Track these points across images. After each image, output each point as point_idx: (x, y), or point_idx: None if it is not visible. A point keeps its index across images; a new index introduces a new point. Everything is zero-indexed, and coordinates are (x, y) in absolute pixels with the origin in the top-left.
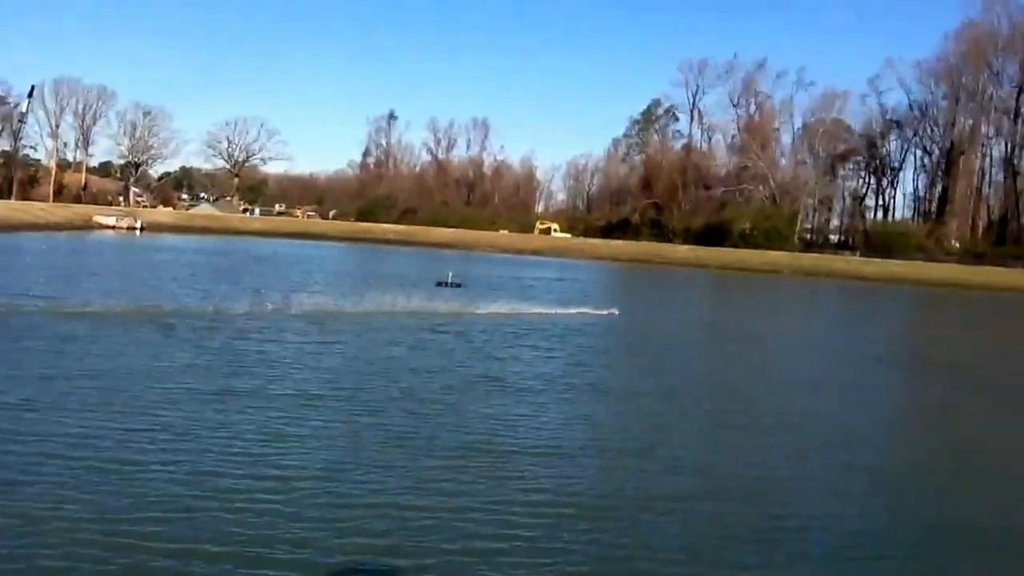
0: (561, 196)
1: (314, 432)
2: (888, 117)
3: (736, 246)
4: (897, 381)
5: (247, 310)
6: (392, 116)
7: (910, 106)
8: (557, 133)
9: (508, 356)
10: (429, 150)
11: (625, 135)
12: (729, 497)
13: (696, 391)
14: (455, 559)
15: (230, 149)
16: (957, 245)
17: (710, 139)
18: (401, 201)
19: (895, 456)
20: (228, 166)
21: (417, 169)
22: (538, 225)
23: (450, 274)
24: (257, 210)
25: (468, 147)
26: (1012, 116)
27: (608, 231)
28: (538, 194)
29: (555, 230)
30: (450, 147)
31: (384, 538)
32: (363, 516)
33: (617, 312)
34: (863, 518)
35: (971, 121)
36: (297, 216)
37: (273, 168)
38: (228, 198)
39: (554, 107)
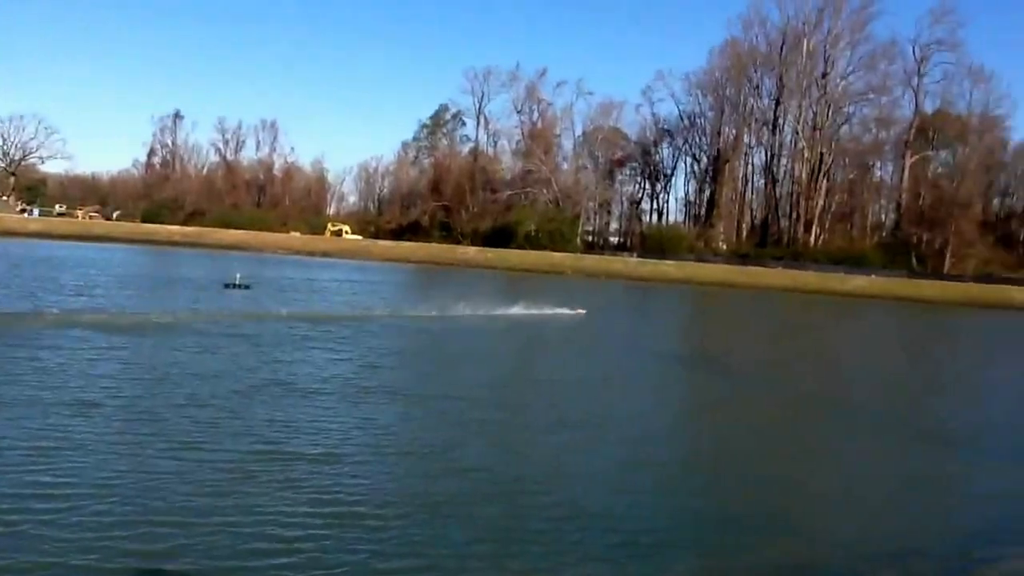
0: (353, 198)
1: (91, 441)
2: (660, 126)
3: (522, 247)
4: (677, 375)
5: (21, 316)
6: (178, 116)
7: (680, 116)
8: (348, 136)
9: (297, 359)
10: (217, 151)
11: (415, 139)
12: (513, 498)
13: (483, 390)
14: (235, 570)
15: (5, 147)
16: (724, 246)
17: (496, 144)
18: (188, 203)
19: (676, 450)
20: (3, 164)
21: (205, 170)
22: (329, 227)
23: (238, 276)
24: (36, 211)
25: (257, 148)
26: (771, 127)
27: (399, 233)
28: (329, 196)
29: (346, 232)
30: (239, 148)
31: (164, 551)
32: (142, 527)
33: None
34: (643, 514)
35: (735, 131)
36: (78, 217)
37: (53, 167)
38: (4, 198)
39: (345, 110)
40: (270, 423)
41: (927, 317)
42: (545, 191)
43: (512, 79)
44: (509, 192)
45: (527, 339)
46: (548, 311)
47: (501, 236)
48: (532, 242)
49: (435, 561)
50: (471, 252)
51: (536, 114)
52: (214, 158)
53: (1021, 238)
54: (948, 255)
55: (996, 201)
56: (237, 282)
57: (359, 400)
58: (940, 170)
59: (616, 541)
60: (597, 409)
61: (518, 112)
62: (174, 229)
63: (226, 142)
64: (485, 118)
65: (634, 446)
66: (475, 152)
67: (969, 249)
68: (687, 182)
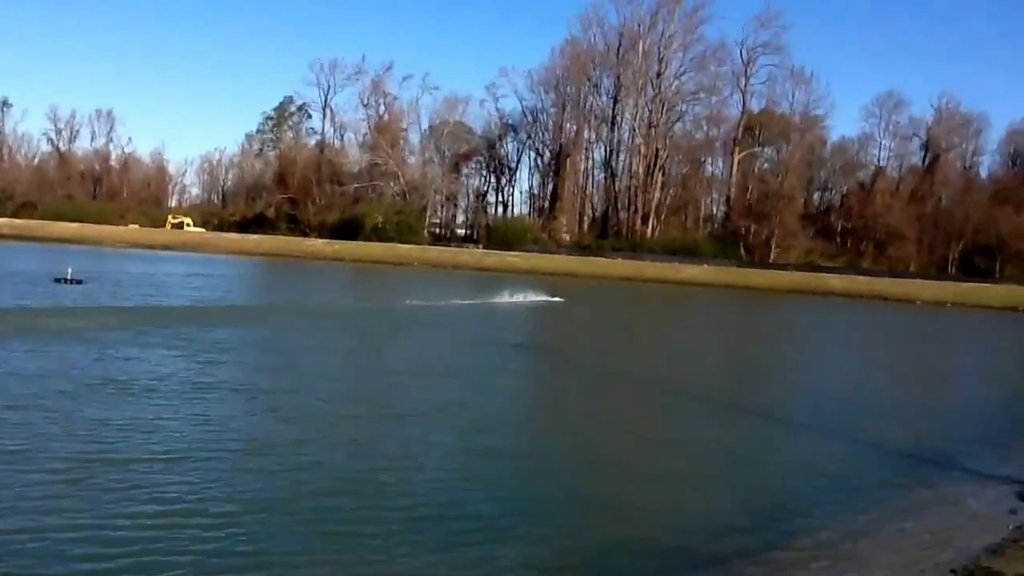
0: (195, 190)
1: None
2: (505, 121)
3: (369, 239)
4: (523, 364)
5: None
6: (6, 103)
7: (523, 112)
8: (190, 127)
9: (135, 357)
10: (49, 141)
11: (259, 130)
12: (349, 492)
13: (325, 384)
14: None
15: None
16: (567, 238)
17: (343, 137)
18: (18, 194)
19: (509, 437)
20: None
21: (36, 161)
22: (170, 219)
23: (69, 270)
24: None
25: (93, 139)
26: (610, 123)
27: (244, 226)
28: (171, 188)
29: (188, 224)
30: (73, 138)
31: None
32: None
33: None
34: (478, 501)
35: (575, 127)
36: None
37: None
38: None
39: (185, 100)
40: (102, 424)
41: (754, 303)
42: (392, 184)
43: (358, 72)
44: (356, 185)
45: (370, 331)
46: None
47: (349, 228)
48: (379, 234)
49: (272, 559)
50: (318, 244)
51: (382, 108)
52: (46, 148)
53: (838, 230)
54: (774, 245)
55: (816, 195)
56: (69, 277)
57: (198, 398)
58: (766, 166)
59: (450, 530)
60: (437, 398)
61: (364, 105)
62: (2, 222)
63: (59, 132)
64: (331, 111)
65: (471, 435)
66: (321, 145)
67: (792, 240)
68: (531, 176)
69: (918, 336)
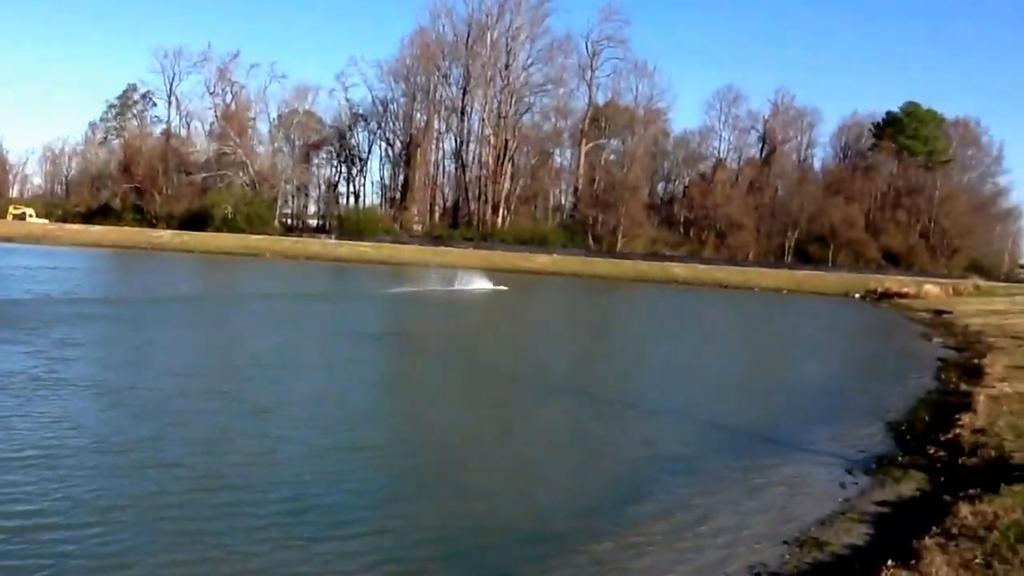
0: (38, 180)
1: None
2: (355, 111)
3: (219, 230)
4: (377, 354)
5: None
6: None
7: (373, 102)
8: (30, 115)
9: None
10: None
11: (102, 119)
12: (205, 492)
13: (184, 381)
14: None
15: None
16: (419, 228)
17: (189, 126)
18: None
19: (367, 428)
20: None
21: None
22: (11, 210)
23: None
24: None
25: None
26: (460, 114)
27: (89, 217)
28: (11, 178)
29: (30, 216)
30: None
31: None
32: None
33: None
34: (344, 494)
35: (426, 117)
36: None
37: None
38: None
39: (24, 88)
40: None
41: (601, 291)
42: (241, 174)
43: (203, 60)
44: (204, 175)
45: (235, 325)
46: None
47: (197, 219)
48: (229, 225)
49: (129, 560)
50: (166, 236)
51: (229, 96)
52: None
53: (681, 219)
54: (620, 235)
55: (660, 186)
56: None
57: (49, 395)
58: (612, 157)
59: (306, 524)
60: (299, 392)
61: (211, 94)
62: None
63: None
64: (177, 99)
65: (326, 429)
66: (167, 134)
67: (638, 229)
68: (382, 166)
69: (756, 321)
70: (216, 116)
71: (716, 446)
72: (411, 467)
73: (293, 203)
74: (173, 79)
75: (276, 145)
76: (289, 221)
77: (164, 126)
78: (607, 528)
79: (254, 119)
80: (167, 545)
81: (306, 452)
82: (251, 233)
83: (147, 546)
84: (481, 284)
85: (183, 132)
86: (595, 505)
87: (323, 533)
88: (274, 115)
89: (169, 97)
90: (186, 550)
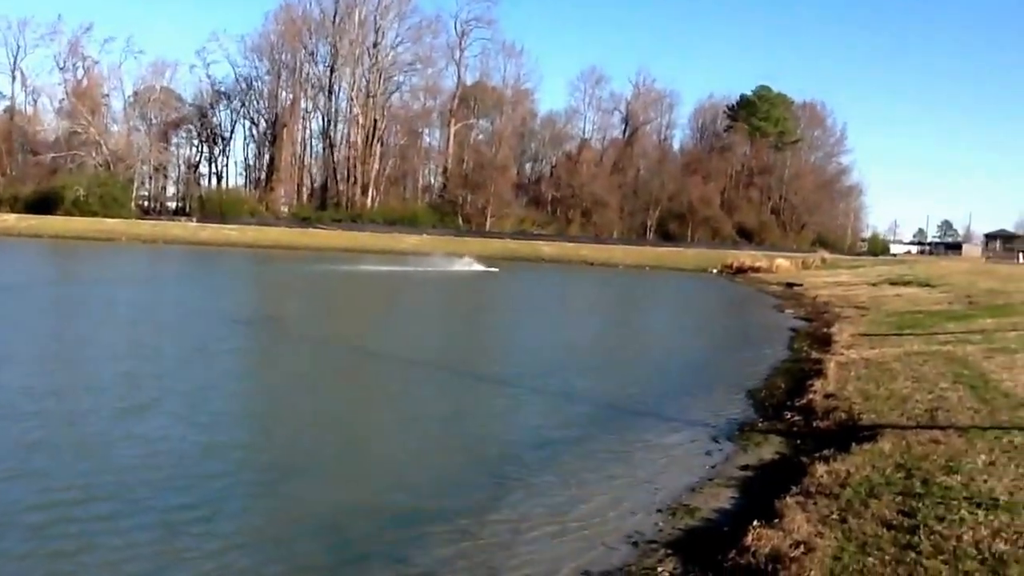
0: None
1: None
2: (217, 88)
3: (71, 214)
4: (244, 340)
5: None
6: None
7: (236, 79)
8: None
9: None
10: None
11: None
12: (57, 499)
13: (53, 377)
14: None
15: None
16: (286, 210)
17: (36, 103)
18: None
19: (245, 417)
20: None
21: None
22: None
23: None
24: None
25: None
26: (327, 93)
27: None
28: None
29: None
30: None
31: None
32: None
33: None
34: (212, 484)
35: (292, 96)
36: None
37: None
38: None
39: None
40: None
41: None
42: (94, 154)
43: (53, 33)
44: (53, 155)
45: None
46: None
47: (46, 202)
48: (82, 208)
49: None
50: (11, 220)
51: (81, 72)
52: None
53: (549, 199)
54: (489, 214)
55: (528, 166)
56: None
57: None
58: (480, 137)
59: (177, 520)
60: (161, 384)
61: (61, 69)
62: None
63: None
64: (22, 74)
65: (195, 420)
66: (11, 111)
67: (507, 209)
68: (246, 145)
69: (621, 298)
70: (66, 92)
71: (588, 421)
72: (283, 452)
73: (151, 185)
74: (18, 52)
75: (132, 124)
76: (147, 204)
77: (7, 103)
78: (485, 507)
79: (108, 96)
80: (37, 560)
81: (175, 445)
82: (105, 216)
83: (15, 559)
84: (472, 266)
85: (29, 110)
86: (471, 485)
87: (195, 528)
88: (129, 92)
89: (13, 72)
90: (58, 562)
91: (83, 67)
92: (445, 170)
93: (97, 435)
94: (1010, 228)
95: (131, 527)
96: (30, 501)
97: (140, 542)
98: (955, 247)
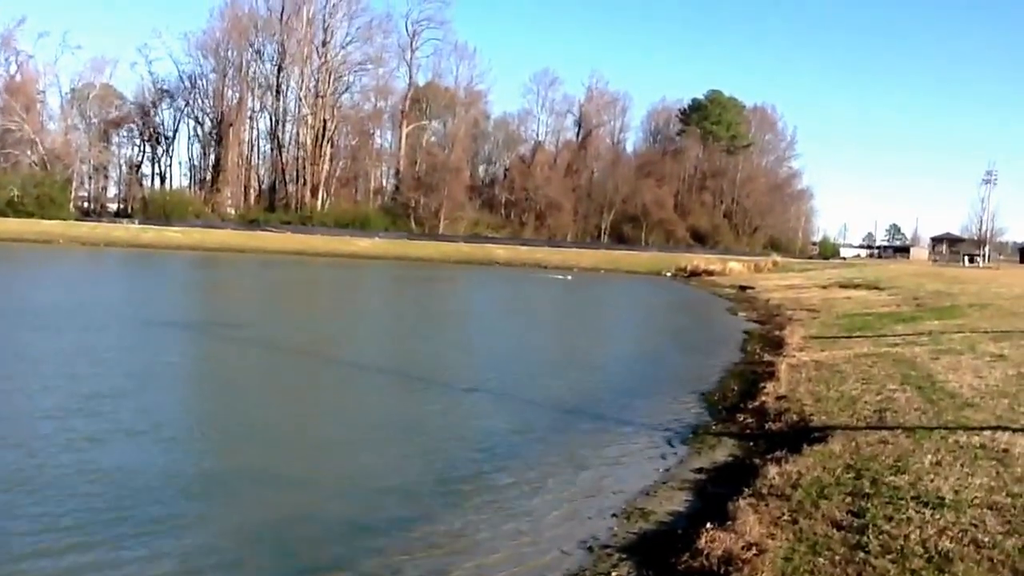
0: None
1: None
2: (159, 86)
3: (5, 215)
4: (184, 343)
5: None
6: None
7: (180, 77)
8: None
9: None
10: None
11: None
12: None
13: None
14: None
15: None
16: (233, 212)
17: None
18: None
19: (191, 423)
20: None
21: None
22: None
23: None
24: None
25: None
26: (275, 92)
27: None
28: None
29: None
30: None
31: None
32: None
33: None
34: (161, 492)
35: (238, 95)
36: None
37: None
38: None
39: None
40: None
41: (425, 275)
42: (29, 152)
43: None
44: None
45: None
46: None
47: None
48: (16, 209)
49: None
50: None
51: (14, 67)
52: None
53: (503, 201)
54: (442, 217)
55: (482, 168)
56: None
57: None
58: (433, 139)
59: (125, 528)
60: (83, 389)
61: None
62: None
63: None
64: None
65: (131, 426)
66: None
67: (460, 212)
68: (191, 145)
69: (576, 301)
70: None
71: (541, 425)
72: (231, 458)
73: (91, 185)
74: None
75: (70, 122)
76: (86, 205)
77: None
78: (437, 512)
79: (43, 93)
80: None
81: (115, 450)
82: (42, 218)
83: None
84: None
85: None
86: (423, 490)
87: (136, 537)
88: (67, 89)
89: None
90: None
91: (16, 62)
92: (397, 172)
93: (27, 448)
94: (956, 232)
95: (66, 548)
96: None
97: (78, 564)
98: (903, 250)
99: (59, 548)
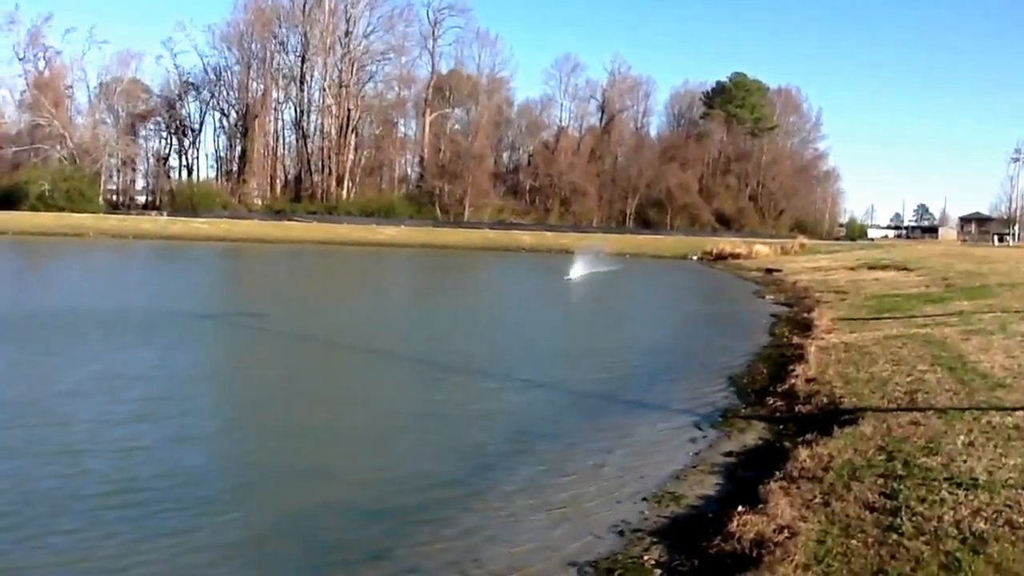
0: None
1: None
2: (185, 79)
3: (36, 209)
4: (210, 332)
5: None
6: None
7: (205, 69)
8: None
9: None
10: None
11: None
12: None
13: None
14: None
15: None
16: (259, 202)
17: None
18: None
19: (215, 414)
20: None
21: None
22: None
23: None
24: None
25: None
26: (299, 83)
27: None
28: None
29: None
30: None
31: None
32: None
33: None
34: (189, 485)
35: (263, 86)
36: None
37: None
38: None
39: None
40: None
41: (450, 261)
42: (59, 147)
43: (11, 23)
44: (16, 149)
45: None
46: None
47: (9, 198)
48: (47, 203)
49: None
50: None
51: (43, 63)
52: None
53: (527, 188)
54: (467, 204)
55: (505, 155)
56: None
57: None
58: (456, 127)
59: (156, 520)
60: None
61: (21, 60)
62: None
63: None
64: None
65: (160, 417)
66: None
67: (484, 199)
68: (217, 137)
69: (604, 285)
70: (28, 84)
71: (570, 410)
72: (256, 449)
73: (119, 178)
74: None
75: (98, 116)
76: (115, 198)
77: None
78: (470, 499)
79: (71, 88)
80: (25, 551)
81: (147, 442)
82: (72, 211)
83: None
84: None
85: None
86: (455, 477)
87: (173, 526)
88: (94, 84)
89: None
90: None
91: (44, 58)
92: (421, 160)
93: (60, 432)
94: (984, 211)
95: (99, 537)
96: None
97: (91, 553)
98: (931, 231)
99: (88, 537)
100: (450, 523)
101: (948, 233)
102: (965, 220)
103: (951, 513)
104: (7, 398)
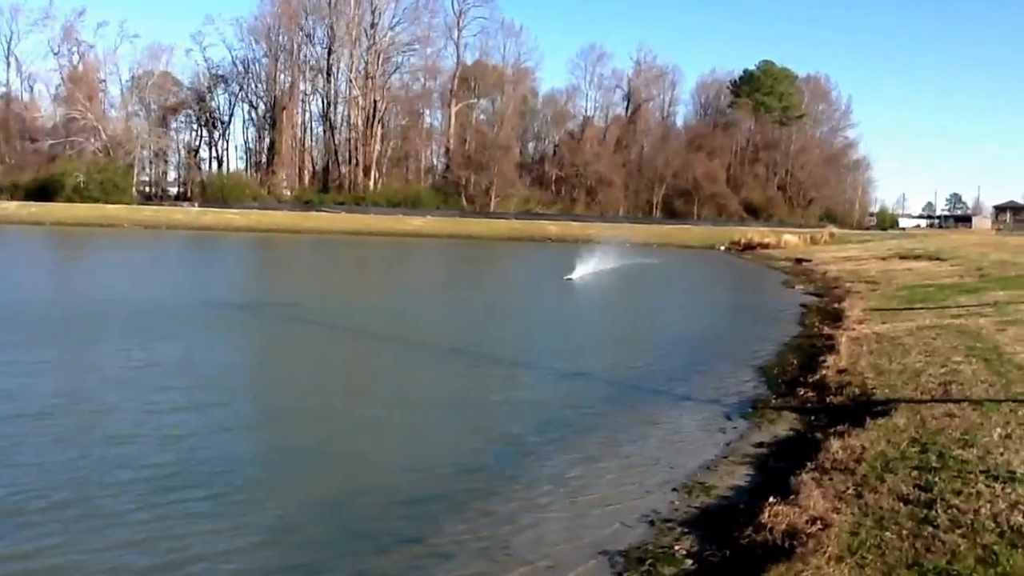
0: None
1: None
2: (214, 72)
3: (71, 201)
4: (241, 320)
5: None
6: None
7: (233, 62)
8: None
9: None
10: None
11: None
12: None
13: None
14: None
15: None
16: (288, 193)
17: (32, 89)
18: None
19: (253, 401)
20: None
21: None
22: None
23: None
24: None
25: None
26: (325, 75)
27: None
28: None
29: None
30: None
31: None
32: None
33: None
34: (228, 472)
35: (290, 78)
36: None
37: None
38: None
39: None
40: None
41: (477, 251)
42: (93, 140)
43: (45, 18)
44: (51, 141)
45: None
46: None
47: (46, 189)
48: (82, 195)
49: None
50: (12, 207)
51: (76, 57)
52: None
53: (553, 178)
54: (493, 195)
55: (531, 145)
56: None
57: None
58: (482, 117)
59: (194, 500)
60: (154, 359)
61: (55, 54)
62: None
63: None
64: (17, 60)
65: (200, 403)
66: (7, 98)
67: (510, 189)
68: (246, 129)
69: (633, 276)
70: (62, 78)
71: (600, 400)
72: (293, 436)
73: (151, 170)
74: (11, 38)
75: (130, 109)
76: (148, 189)
77: (3, 89)
78: (501, 487)
79: (104, 81)
80: (76, 535)
81: (184, 427)
82: (106, 203)
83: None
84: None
85: (25, 96)
86: (483, 464)
87: (212, 509)
88: (127, 77)
89: (8, 58)
90: (88, 538)
91: (78, 52)
92: (447, 151)
93: (107, 420)
94: (1020, 200)
95: (145, 521)
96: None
97: (136, 537)
98: (965, 220)
99: (117, 511)
100: (481, 510)
101: (982, 222)
102: (1000, 209)
103: (988, 506)
104: (58, 388)
